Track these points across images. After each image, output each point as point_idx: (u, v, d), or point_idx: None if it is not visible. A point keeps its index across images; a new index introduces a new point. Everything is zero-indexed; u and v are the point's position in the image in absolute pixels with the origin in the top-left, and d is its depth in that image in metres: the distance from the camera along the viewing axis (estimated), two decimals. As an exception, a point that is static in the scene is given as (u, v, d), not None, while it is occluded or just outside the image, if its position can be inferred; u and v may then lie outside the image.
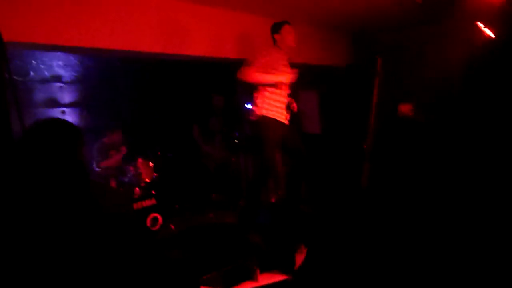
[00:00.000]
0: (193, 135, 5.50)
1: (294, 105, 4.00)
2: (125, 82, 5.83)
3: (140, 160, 4.69)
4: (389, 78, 4.77)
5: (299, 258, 3.57)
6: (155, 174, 4.77)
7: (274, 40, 3.82)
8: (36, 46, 3.60)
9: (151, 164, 4.81)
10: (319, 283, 3.23)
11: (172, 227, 4.50)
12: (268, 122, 3.74)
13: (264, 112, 3.75)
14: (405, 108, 4.71)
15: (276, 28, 3.81)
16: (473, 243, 3.40)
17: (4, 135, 2.26)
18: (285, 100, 3.86)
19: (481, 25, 3.58)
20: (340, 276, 3.26)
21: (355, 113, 5.25)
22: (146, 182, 4.66)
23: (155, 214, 4.65)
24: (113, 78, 5.79)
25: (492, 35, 3.60)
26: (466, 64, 4.40)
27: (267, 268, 3.33)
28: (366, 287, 3.12)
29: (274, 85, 3.71)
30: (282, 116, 3.83)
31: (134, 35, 4.01)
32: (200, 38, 4.55)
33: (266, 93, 3.75)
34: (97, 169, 4.67)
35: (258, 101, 3.77)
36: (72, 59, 5.50)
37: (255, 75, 3.60)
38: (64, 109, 5.46)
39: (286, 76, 3.69)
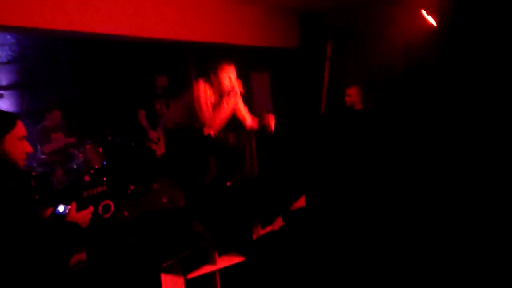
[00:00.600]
0: (140, 120, 5.32)
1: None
2: (68, 63, 5.53)
3: (88, 146, 4.52)
4: (337, 61, 4.90)
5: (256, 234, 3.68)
6: (105, 159, 4.62)
7: (208, 78, 3.48)
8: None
9: (100, 149, 4.65)
10: (274, 264, 3.36)
11: (126, 213, 4.42)
12: None
13: None
14: (351, 92, 4.85)
15: (211, 68, 3.47)
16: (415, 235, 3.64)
17: None
18: None
19: (424, 12, 3.76)
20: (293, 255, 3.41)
21: (306, 95, 5.36)
22: (96, 168, 4.51)
23: (107, 201, 4.54)
24: (54, 58, 5.47)
25: (434, 23, 3.79)
26: (408, 51, 4.62)
27: (225, 251, 3.40)
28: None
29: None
30: None
31: (83, 14, 3.80)
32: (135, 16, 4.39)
33: None
34: (42, 156, 4.45)
35: None
36: (8, 37, 5.11)
37: (217, 123, 3.42)
38: (1, 92, 5.10)
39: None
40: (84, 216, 1.94)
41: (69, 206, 1.89)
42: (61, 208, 1.92)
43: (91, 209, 2.04)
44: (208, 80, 3.44)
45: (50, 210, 2.08)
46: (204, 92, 3.38)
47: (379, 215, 3.94)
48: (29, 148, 1.78)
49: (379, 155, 4.64)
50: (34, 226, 1.69)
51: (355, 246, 3.47)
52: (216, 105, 3.45)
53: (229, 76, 3.42)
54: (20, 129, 1.71)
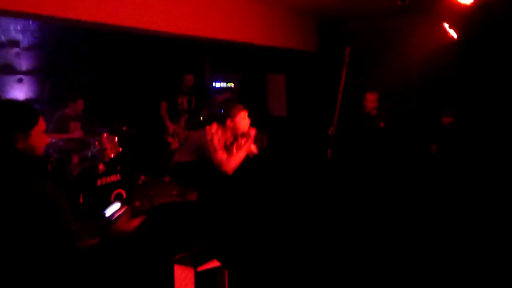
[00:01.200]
0: (161, 111, 5.43)
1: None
2: (88, 52, 5.61)
3: (105, 134, 4.59)
4: (356, 67, 4.93)
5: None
6: (120, 149, 4.69)
7: (224, 124, 3.49)
8: (21, 15, 3.43)
9: (116, 139, 4.72)
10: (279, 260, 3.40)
11: (137, 203, 4.50)
12: None
13: None
14: (370, 98, 4.89)
15: (229, 113, 3.48)
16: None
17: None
18: None
19: (446, 25, 3.80)
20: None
21: (322, 99, 5.40)
22: (111, 157, 4.58)
23: (120, 190, 4.62)
24: (75, 46, 5.55)
25: (455, 36, 3.83)
26: (426, 62, 4.66)
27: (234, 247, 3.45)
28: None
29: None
30: None
31: (110, 7, 3.88)
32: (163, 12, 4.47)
33: None
34: (59, 143, 4.52)
35: None
36: (31, 24, 5.19)
37: (234, 164, 3.40)
38: (22, 76, 5.19)
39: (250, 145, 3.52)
40: (132, 227, 1.96)
41: (121, 211, 1.87)
42: (110, 210, 1.86)
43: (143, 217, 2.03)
44: (223, 124, 3.49)
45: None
46: (217, 134, 3.41)
47: (382, 219, 3.98)
48: (47, 139, 1.85)
49: (389, 163, 4.68)
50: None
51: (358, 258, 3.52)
52: (231, 147, 3.54)
53: (245, 120, 3.48)
54: (42, 123, 1.79)
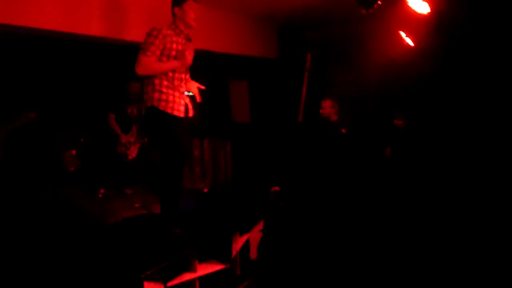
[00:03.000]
0: (109, 123, 5.19)
1: (197, 94, 3.58)
2: (38, 62, 5.31)
3: (61, 148, 4.38)
4: (317, 73, 5.05)
5: (235, 246, 3.69)
6: (79, 162, 4.49)
7: (173, 14, 3.31)
8: None
9: (74, 152, 4.52)
10: (257, 271, 3.39)
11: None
12: (159, 116, 3.27)
13: (155, 103, 3.26)
14: (325, 105, 5.00)
15: (178, 1, 3.29)
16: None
17: None
18: (183, 87, 3.43)
19: (403, 34, 3.96)
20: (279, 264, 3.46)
21: (285, 105, 5.46)
22: (69, 171, 4.38)
23: (80, 205, 4.42)
24: (21, 57, 5.23)
25: (412, 44, 4.01)
26: (384, 68, 4.84)
27: (204, 258, 3.39)
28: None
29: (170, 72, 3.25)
30: (179, 106, 3.36)
31: (64, 14, 3.70)
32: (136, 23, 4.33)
33: (156, 80, 3.24)
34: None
35: (149, 89, 3.28)
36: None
37: (152, 67, 3.16)
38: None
39: (182, 60, 3.24)
40: None
41: None
42: None
43: None
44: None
45: None
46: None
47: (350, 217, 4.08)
48: None
49: (351, 165, 4.81)
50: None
51: (333, 250, 3.58)
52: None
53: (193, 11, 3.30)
54: None
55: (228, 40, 5.56)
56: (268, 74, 6.04)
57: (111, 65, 5.72)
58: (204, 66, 6.32)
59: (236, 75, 5.86)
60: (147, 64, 3.13)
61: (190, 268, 3.28)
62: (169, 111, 3.27)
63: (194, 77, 3.56)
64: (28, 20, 3.52)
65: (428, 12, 3.16)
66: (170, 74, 3.26)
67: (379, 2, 2.55)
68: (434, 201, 4.23)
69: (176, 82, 3.31)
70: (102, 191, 5.16)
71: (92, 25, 4.05)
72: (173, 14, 3.31)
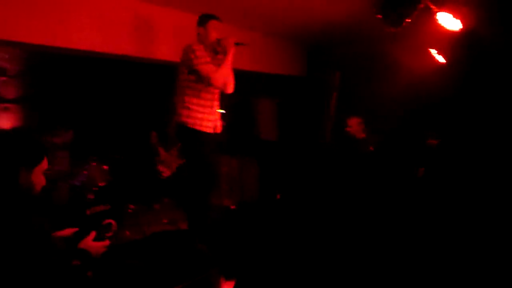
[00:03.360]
0: (152, 141, 5.34)
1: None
2: (78, 80, 5.55)
3: (94, 163, 4.51)
4: (345, 92, 5.02)
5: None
6: (109, 177, 4.61)
7: (198, 34, 3.40)
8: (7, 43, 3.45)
9: (105, 167, 4.64)
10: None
11: (127, 233, 4.39)
12: (188, 133, 3.33)
13: (183, 120, 3.32)
14: (352, 123, 4.94)
15: (202, 21, 3.38)
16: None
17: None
18: (213, 103, 3.45)
19: (434, 51, 3.90)
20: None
21: (313, 123, 5.44)
22: (100, 186, 4.49)
23: (110, 220, 4.50)
24: (65, 75, 5.49)
25: (443, 61, 3.93)
26: (414, 87, 4.75)
27: (230, 276, 3.37)
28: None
29: (199, 88, 3.30)
30: (207, 123, 3.39)
31: (102, 35, 3.89)
32: (166, 42, 4.48)
33: (186, 98, 3.30)
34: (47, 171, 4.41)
35: (178, 106, 3.34)
36: (18, 52, 5.14)
37: (221, 71, 3.21)
38: (8, 105, 5.10)
39: (230, 49, 3.30)
40: (97, 247, 2.12)
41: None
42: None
43: (106, 242, 2.23)
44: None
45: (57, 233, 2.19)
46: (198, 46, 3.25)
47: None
48: (44, 181, 1.90)
49: (379, 184, 4.70)
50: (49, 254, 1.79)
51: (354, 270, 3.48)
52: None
53: (217, 30, 3.37)
54: (45, 163, 1.86)
55: (256, 58, 5.63)
56: (296, 92, 6.06)
57: (155, 84, 5.92)
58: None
59: (264, 93, 5.90)
60: (216, 71, 3.19)
61: (215, 286, 3.25)
62: (197, 127, 3.32)
63: (223, 95, 3.60)
64: (69, 41, 3.71)
65: (460, 29, 3.10)
66: (199, 91, 3.30)
67: (407, 20, 2.52)
68: (470, 223, 4.05)
69: (206, 98, 3.36)
70: (131, 206, 5.27)
71: (132, 46, 4.27)
72: (198, 33, 3.40)
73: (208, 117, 3.38)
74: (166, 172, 5.36)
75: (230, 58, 3.29)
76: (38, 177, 1.84)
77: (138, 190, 5.47)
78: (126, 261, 3.28)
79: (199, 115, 3.32)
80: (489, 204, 4.10)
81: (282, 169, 5.51)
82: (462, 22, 3.12)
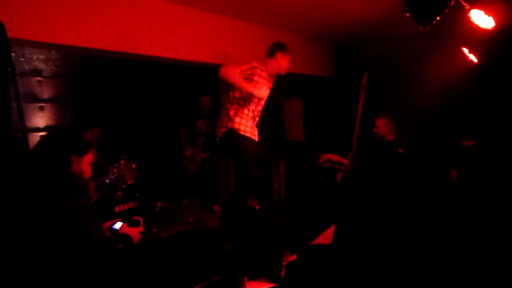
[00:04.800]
0: (181, 138, 5.45)
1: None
2: (108, 81, 5.71)
3: (122, 161, 4.61)
4: (374, 92, 4.92)
5: (285, 265, 3.62)
6: (138, 175, 4.70)
7: (266, 61, 3.71)
8: (36, 44, 3.55)
9: (134, 165, 4.73)
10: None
11: (154, 230, 4.46)
12: (241, 137, 3.58)
13: (236, 126, 3.57)
14: (379, 123, 4.83)
15: (273, 52, 3.70)
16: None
17: (4, 129, 2.31)
18: (256, 117, 3.75)
19: (466, 50, 3.77)
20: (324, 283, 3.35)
21: (340, 124, 5.37)
22: (129, 184, 4.59)
23: (137, 217, 4.59)
24: (95, 75, 5.66)
25: (475, 60, 3.79)
26: (445, 85, 4.61)
27: (254, 276, 3.37)
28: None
29: (248, 99, 3.56)
30: (253, 132, 3.69)
31: (122, 35, 3.97)
32: (181, 40, 4.54)
33: (231, 112, 3.59)
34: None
35: (232, 113, 3.60)
36: (53, 53, 5.33)
37: (234, 75, 3.39)
38: (43, 104, 5.29)
39: (263, 91, 3.52)
40: (135, 232, 2.42)
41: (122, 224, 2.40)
42: (116, 225, 2.39)
43: (142, 228, 2.50)
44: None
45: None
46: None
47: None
48: (90, 172, 2.16)
49: (408, 190, 4.58)
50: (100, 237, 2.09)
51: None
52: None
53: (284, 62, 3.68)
54: (91, 155, 2.12)
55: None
56: (323, 93, 6.01)
57: (183, 82, 6.03)
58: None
59: (291, 94, 5.89)
60: (231, 69, 3.41)
61: (239, 286, 3.26)
62: (241, 133, 3.56)
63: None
64: (100, 43, 3.82)
65: (493, 27, 2.99)
66: (242, 108, 3.57)
67: (438, 18, 2.46)
68: (506, 228, 3.88)
69: (247, 114, 3.61)
70: (159, 204, 5.37)
71: (172, 48, 4.42)
72: (267, 60, 3.70)
73: (252, 131, 3.66)
74: (191, 167, 5.44)
75: (246, 86, 3.44)
76: (86, 167, 2.08)
77: (166, 188, 5.57)
78: (153, 258, 3.37)
79: (243, 127, 3.57)
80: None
81: (308, 169, 5.46)
82: (495, 19, 3.01)
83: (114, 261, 2.15)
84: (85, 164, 2.09)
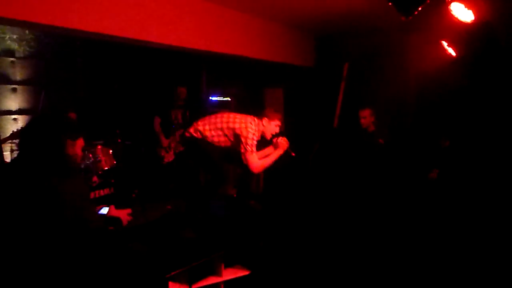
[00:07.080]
0: (154, 127, 5.33)
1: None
2: (84, 63, 5.56)
3: (99, 146, 4.51)
4: (354, 83, 4.95)
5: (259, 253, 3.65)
6: (114, 161, 4.61)
7: (259, 120, 3.84)
8: (9, 22, 3.39)
9: (110, 151, 4.64)
10: (278, 277, 3.33)
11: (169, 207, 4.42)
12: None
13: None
14: (365, 113, 4.86)
15: (268, 116, 3.86)
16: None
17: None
18: None
19: (445, 43, 3.82)
20: (297, 270, 3.39)
21: (321, 114, 5.38)
22: (105, 170, 4.50)
23: (112, 205, 4.52)
24: (71, 56, 5.50)
25: (454, 54, 3.85)
26: (424, 78, 4.66)
27: (231, 263, 3.38)
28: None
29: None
30: None
31: (107, 17, 3.84)
32: (171, 27, 4.44)
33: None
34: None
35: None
36: (27, 33, 5.14)
37: (264, 162, 3.70)
38: (16, 86, 5.11)
39: (281, 147, 3.78)
40: (123, 213, 2.47)
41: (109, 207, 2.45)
42: (103, 210, 2.43)
43: (129, 210, 2.53)
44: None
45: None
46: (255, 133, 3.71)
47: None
48: (79, 158, 2.18)
49: (387, 182, 4.64)
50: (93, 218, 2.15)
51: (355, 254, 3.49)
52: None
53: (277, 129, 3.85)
54: (82, 140, 2.13)
55: (265, 47, 5.59)
56: (303, 83, 6.00)
57: (162, 70, 5.92)
58: (240, 72, 6.45)
59: (272, 82, 5.88)
60: (256, 161, 3.68)
61: (216, 272, 3.27)
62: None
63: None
64: (76, 23, 3.67)
65: (472, 21, 3.03)
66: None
67: (419, 8, 2.46)
68: (483, 226, 3.93)
69: None
70: (136, 191, 5.28)
71: (149, 31, 4.25)
72: (261, 119, 3.85)
73: None
74: (167, 157, 5.35)
75: (276, 157, 3.74)
76: (79, 151, 2.10)
77: (143, 175, 5.49)
78: (130, 244, 3.32)
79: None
80: (505, 207, 4.00)
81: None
82: (474, 13, 3.05)
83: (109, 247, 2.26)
84: (78, 148, 2.11)
